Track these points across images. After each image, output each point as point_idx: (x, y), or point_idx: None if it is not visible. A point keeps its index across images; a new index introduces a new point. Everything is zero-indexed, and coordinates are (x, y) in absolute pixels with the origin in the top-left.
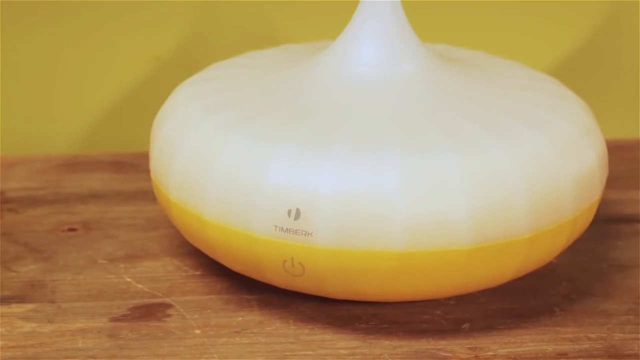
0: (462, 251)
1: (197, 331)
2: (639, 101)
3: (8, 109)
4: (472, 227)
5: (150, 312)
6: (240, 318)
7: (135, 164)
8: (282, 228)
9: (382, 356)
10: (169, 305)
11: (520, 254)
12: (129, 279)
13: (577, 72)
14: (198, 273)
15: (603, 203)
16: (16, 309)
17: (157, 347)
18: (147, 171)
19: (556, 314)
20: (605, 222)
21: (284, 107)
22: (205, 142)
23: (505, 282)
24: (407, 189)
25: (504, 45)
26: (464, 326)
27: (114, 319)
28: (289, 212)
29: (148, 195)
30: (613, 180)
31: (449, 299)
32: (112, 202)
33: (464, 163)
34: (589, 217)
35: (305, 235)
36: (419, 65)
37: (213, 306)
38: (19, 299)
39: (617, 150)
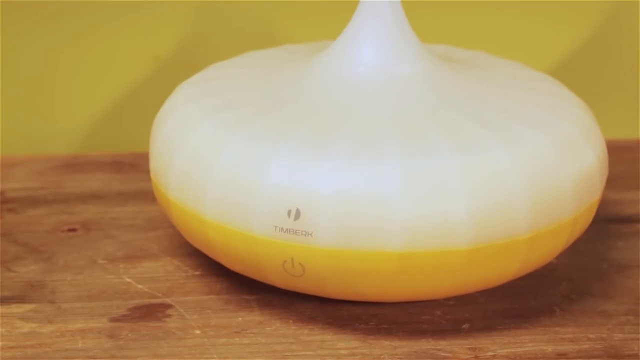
0: (462, 251)
1: (197, 331)
2: (639, 101)
3: (8, 109)
4: (471, 227)
5: (150, 312)
6: (240, 318)
7: (135, 164)
8: (281, 228)
9: (382, 356)
10: (168, 306)
11: (520, 254)
12: (128, 279)
13: (577, 72)
14: (198, 273)
15: (603, 203)
16: (16, 309)
17: (157, 347)
18: (147, 171)
19: (556, 314)
20: (605, 222)
21: (283, 107)
22: (205, 142)
23: (505, 282)
24: (407, 189)
25: (504, 45)
26: (463, 326)
27: (114, 319)
28: (289, 212)
29: (148, 195)
30: (613, 180)
31: (449, 299)
32: (112, 203)
33: (463, 163)
34: (589, 217)
35: (305, 235)
36: (419, 66)
37: (213, 306)
38: (19, 299)
39: (617, 151)
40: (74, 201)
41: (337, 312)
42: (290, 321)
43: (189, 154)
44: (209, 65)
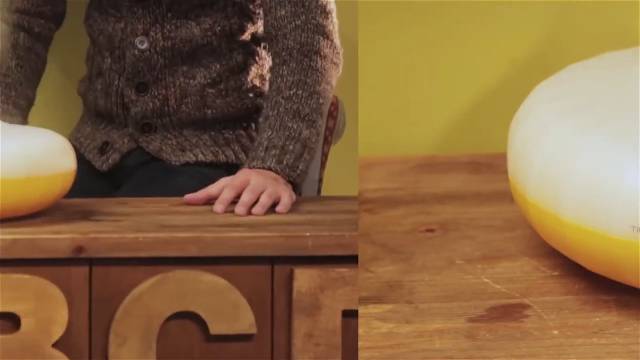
0: None
1: (555, 332)
2: None
3: (367, 110)
4: None
5: (507, 312)
6: (597, 319)
7: (493, 165)
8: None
9: None
10: (526, 306)
11: None
12: (486, 280)
13: None
14: (556, 274)
15: None
16: (374, 309)
17: (515, 347)
18: (504, 172)
19: None
20: None
21: None
22: (562, 143)
23: None
24: None
25: None
26: None
27: (472, 320)
28: None
29: (506, 196)
30: None
31: None
32: (469, 203)
33: None
34: None
35: None
36: None
37: (571, 307)
38: (377, 299)
39: None
40: (431, 201)
41: None
42: None
43: (547, 155)
44: (565, 67)
